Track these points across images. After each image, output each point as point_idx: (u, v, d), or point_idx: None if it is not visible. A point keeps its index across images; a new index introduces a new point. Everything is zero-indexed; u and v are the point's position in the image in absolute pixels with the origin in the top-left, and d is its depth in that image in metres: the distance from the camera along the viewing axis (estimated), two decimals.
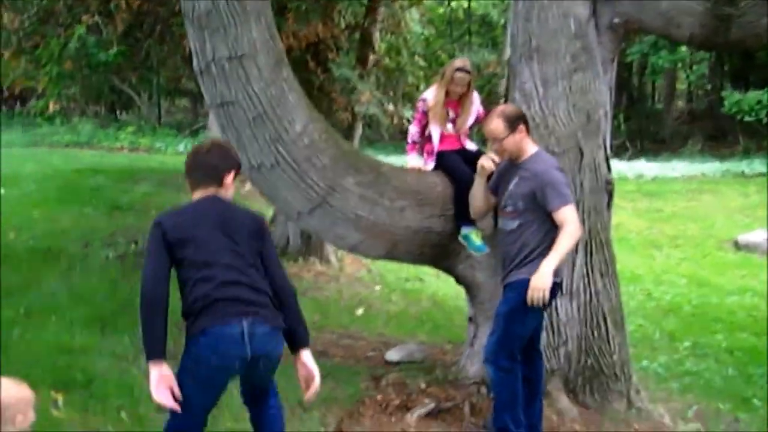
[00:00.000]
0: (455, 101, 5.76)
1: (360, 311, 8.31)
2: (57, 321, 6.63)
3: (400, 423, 5.47)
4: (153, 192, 14.16)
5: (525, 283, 4.85)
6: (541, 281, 4.69)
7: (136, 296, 7.32)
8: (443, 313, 8.54)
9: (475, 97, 5.93)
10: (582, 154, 5.77)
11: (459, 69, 5.64)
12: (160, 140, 24.55)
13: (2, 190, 13.04)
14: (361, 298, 8.86)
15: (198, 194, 3.99)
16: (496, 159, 5.15)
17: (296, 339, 4.01)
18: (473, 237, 5.60)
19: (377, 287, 9.49)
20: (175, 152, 23.15)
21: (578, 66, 5.80)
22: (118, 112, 31.97)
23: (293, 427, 5.14)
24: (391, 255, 5.76)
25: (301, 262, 10.10)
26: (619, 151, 26.04)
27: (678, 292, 9.88)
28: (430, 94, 5.77)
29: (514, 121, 4.97)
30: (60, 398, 5.13)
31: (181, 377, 3.74)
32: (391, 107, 10.21)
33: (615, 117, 27.25)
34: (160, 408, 5.18)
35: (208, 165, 3.97)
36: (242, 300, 3.70)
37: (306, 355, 4.06)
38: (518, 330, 4.97)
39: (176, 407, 3.64)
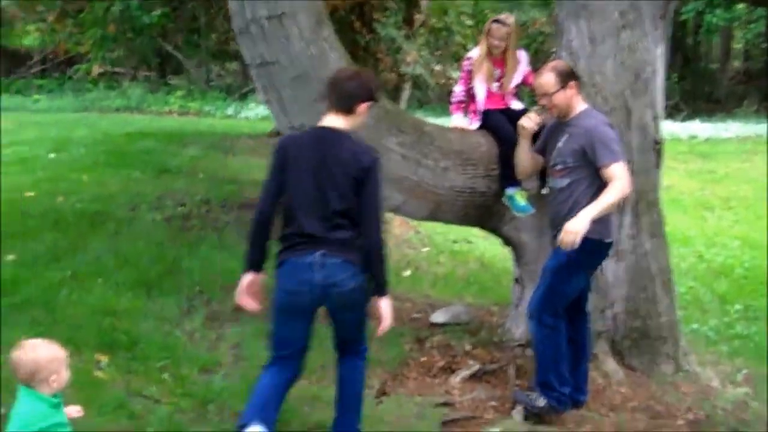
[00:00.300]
0: (500, 59, 5.67)
1: (407, 273, 8.27)
2: (103, 284, 6.69)
3: (443, 385, 5.47)
4: (201, 155, 14.20)
5: (580, 242, 4.80)
6: (575, 226, 4.60)
7: (183, 258, 7.55)
8: (491, 275, 8.47)
9: (522, 56, 5.84)
10: (630, 113, 5.64)
11: (495, 20, 5.58)
12: (209, 104, 24.67)
13: (52, 155, 13.22)
14: (408, 260, 8.80)
15: (327, 119, 4.19)
16: (537, 119, 5.06)
17: (374, 287, 4.22)
18: (518, 198, 5.54)
19: (425, 249, 9.44)
20: (224, 115, 23.32)
21: (626, 23, 5.66)
22: (168, 77, 32.14)
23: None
24: (434, 216, 5.71)
25: None
26: (672, 112, 25.54)
27: (730, 255, 9.68)
28: (475, 52, 5.73)
29: (566, 77, 4.90)
30: (104, 360, 5.21)
31: (270, 310, 4.23)
32: (438, 67, 10.08)
33: (668, 77, 26.79)
34: (202, 369, 5.29)
35: (344, 91, 4.16)
36: (318, 237, 4.00)
37: (379, 302, 4.26)
38: (563, 288, 4.95)
39: (254, 308, 4.21)
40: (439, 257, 9.07)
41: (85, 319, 5.87)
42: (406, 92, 10.74)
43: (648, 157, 5.79)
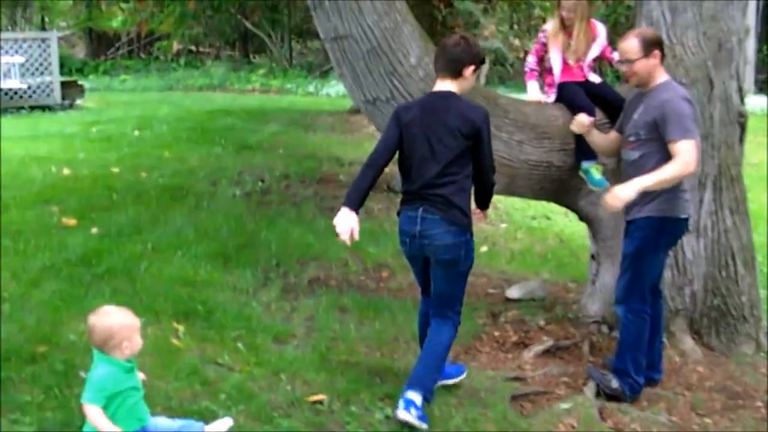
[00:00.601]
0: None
1: (484, 249, 8.21)
2: (182, 256, 6.83)
3: (516, 360, 5.44)
4: (281, 131, 14.37)
5: (650, 222, 4.74)
6: (621, 192, 4.53)
7: (261, 232, 7.67)
8: (569, 251, 8.36)
9: (600, 29, 5.73)
10: (712, 84, 5.49)
11: None
12: (290, 82, 24.90)
13: (136, 132, 13.54)
14: (486, 236, 8.75)
15: (437, 84, 4.53)
16: (586, 123, 5.03)
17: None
18: (593, 172, 5.45)
19: (503, 225, 9.38)
20: (305, 93, 23.50)
21: None
22: (251, 56, 32.54)
23: (408, 359, 5.18)
24: (509, 190, 5.66)
25: None
26: (765, 86, 24.83)
27: None
28: (550, 25, 5.69)
29: (650, 45, 4.76)
30: (181, 328, 5.33)
31: None
32: (517, 41, 9.96)
33: (761, 50, 25.99)
34: (276, 339, 5.38)
35: (451, 56, 4.46)
36: (423, 194, 4.43)
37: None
38: (647, 269, 4.86)
39: (346, 239, 4.54)
40: (516, 233, 9.00)
41: (164, 289, 6.00)
42: (485, 67, 10.62)
43: (731, 130, 5.63)
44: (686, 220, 4.88)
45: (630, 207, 4.79)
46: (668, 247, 5.00)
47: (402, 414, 4.25)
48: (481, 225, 9.13)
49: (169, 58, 29.73)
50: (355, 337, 5.54)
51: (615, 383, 4.93)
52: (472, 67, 4.48)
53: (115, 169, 10.26)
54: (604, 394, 4.94)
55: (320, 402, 4.53)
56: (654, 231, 4.73)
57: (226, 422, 4.05)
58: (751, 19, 23.34)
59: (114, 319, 3.61)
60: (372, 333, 5.64)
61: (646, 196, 4.69)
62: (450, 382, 4.82)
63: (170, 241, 7.23)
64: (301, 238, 7.74)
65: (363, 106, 5.24)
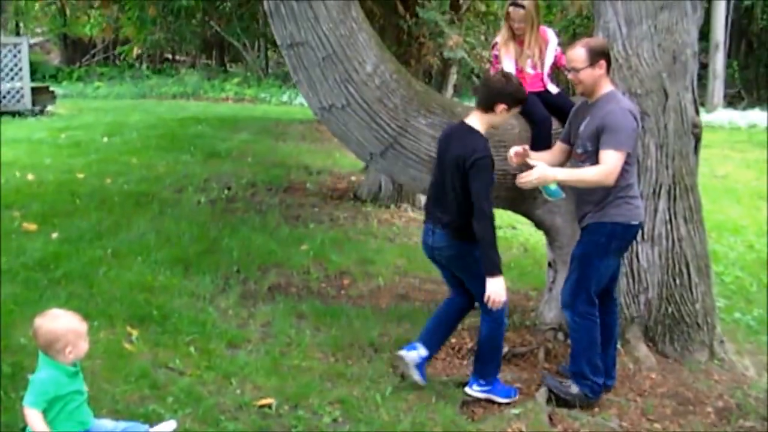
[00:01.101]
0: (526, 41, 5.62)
1: None
2: (142, 261, 6.85)
3: (471, 366, 5.44)
4: (251, 140, 14.40)
5: (601, 227, 4.79)
6: (540, 171, 4.65)
7: (224, 238, 7.69)
8: (533, 260, 8.41)
9: (551, 35, 5.77)
10: (667, 95, 5.54)
11: (512, 4, 5.53)
12: (265, 91, 24.96)
13: (106, 139, 13.50)
14: None
15: (470, 114, 4.82)
16: (516, 150, 4.96)
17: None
18: None
19: None
20: (278, 102, 23.52)
21: (664, 4, 5.56)
22: (227, 65, 32.53)
23: (361, 366, 5.21)
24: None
25: (393, 209, 10.12)
26: (733, 101, 25.14)
27: None
28: (499, 36, 5.71)
29: (596, 55, 4.77)
30: (135, 333, 5.33)
31: None
32: (485, 52, 10.00)
33: (730, 65, 26.31)
34: (229, 344, 5.39)
35: (486, 90, 4.74)
36: (433, 212, 4.91)
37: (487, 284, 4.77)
38: (594, 272, 4.87)
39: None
40: None
41: (121, 294, 6.01)
42: (453, 77, 10.68)
43: (685, 141, 5.68)
44: (637, 226, 4.92)
45: (582, 215, 4.87)
46: (618, 252, 5.00)
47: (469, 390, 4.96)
48: None
49: (144, 66, 29.77)
50: (310, 342, 5.55)
51: (574, 388, 4.96)
52: (503, 106, 4.66)
53: (81, 175, 10.25)
54: (564, 402, 4.95)
55: (268, 406, 4.54)
56: (603, 236, 4.77)
57: (170, 425, 4.06)
58: (720, 34, 23.65)
59: (59, 323, 3.60)
60: (328, 339, 5.65)
61: (597, 204, 4.76)
62: (498, 399, 4.97)
63: (131, 247, 7.23)
64: (263, 246, 7.75)
65: (319, 113, 5.26)
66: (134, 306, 5.81)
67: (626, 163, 4.70)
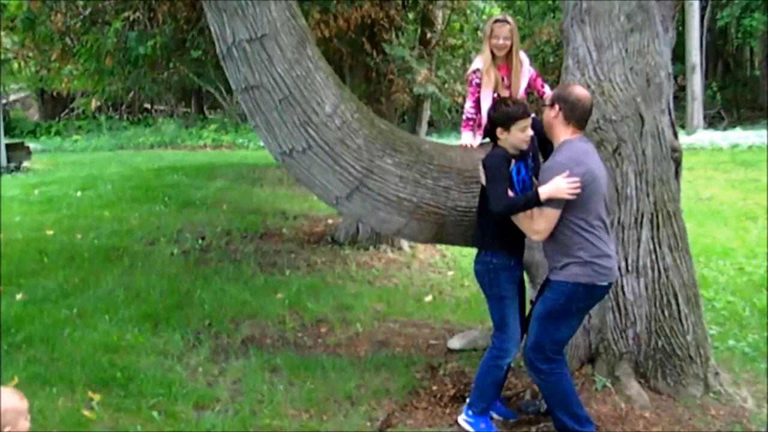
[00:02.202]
0: (505, 64, 5.37)
1: (428, 298, 8.03)
2: (109, 320, 6.62)
3: (454, 414, 5.18)
4: (227, 187, 14.23)
5: (563, 286, 4.56)
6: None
7: (196, 291, 7.43)
8: None
9: (524, 57, 5.54)
10: (643, 120, 5.35)
11: (497, 20, 5.31)
12: (243, 136, 24.86)
13: (79, 193, 13.28)
14: (432, 285, 8.58)
15: None
16: None
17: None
18: None
19: (450, 273, 9.19)
20: (257, 147, 23.38)
21: (634, 26, 5.40)
22: (206, 112, 32.48)
23: (337, 421, 4.96)
24: (439, 238, 5.45)
25: (372, 251, 9.88)
26: (713, 122, 25.12)
27: None
28: (478, 62, 5.40)
29: (555, 97, 4.63)
30: (96, 398, 5.06)
31: None
32: (458, 86, 9.83)
33: (708, 86, 26.36)
34: (197, 405, 5.12)
35: (490, 117, 4.77)
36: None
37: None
38: (554, 335, 4.67)
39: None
40: (464, 280, 8.80)
41: (84, 357, 5.76)
42: (426, 113, 10.50)
43: (665, 166, 5.47)
44: (605, 287, 4.65)
45: (551, 265, 4.67)
46: (582, 313, 4.78)
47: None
48: (427, 273, 8.96)
49: (123, 117, 29.69)
50: (283, 399, 5.28)
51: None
52: (499, 129, 4.65)
53: (50, 232, 10.03)
54: None
55: None
56: (565, 297, 4.55)
57: None
58: (696, 55, 23.68)
59: None
60: (302, 394, 5.38)
61: (563, 258, 4.55)
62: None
63: (98, 305, 7.00)
64: (237, 296, 7.52)
65: (280, 158, 5.02)
66: (97, 369, 5.55)
67: (584, 220, 4.49)
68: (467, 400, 4.95)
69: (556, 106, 4.58)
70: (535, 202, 4.44)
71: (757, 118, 25.45)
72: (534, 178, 4.83)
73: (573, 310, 4.61)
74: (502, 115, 4.66)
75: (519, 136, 4.67)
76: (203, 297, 7.42)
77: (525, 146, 4.73)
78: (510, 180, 4.65)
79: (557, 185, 4.38)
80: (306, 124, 4.82)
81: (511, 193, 4.60)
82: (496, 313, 4.79)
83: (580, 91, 4.68)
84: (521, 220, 4.58)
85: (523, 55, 5.51)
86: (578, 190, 4.38)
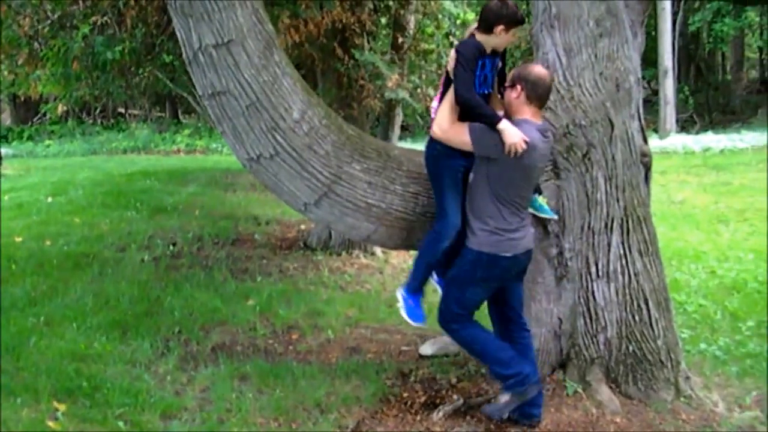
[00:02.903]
0: None
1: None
2: (77, 328, 6.50)
3: (425, 421, 5.16)
4: (199, 192, 14.12)
5: (469, 253, 4.75)
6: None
7: (166, 298, 7.35)
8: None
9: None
10: (612, 125, 5.35)
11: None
12: (216, 141, 24.69)
13: (50, 199, 13.14)
14: None
15: None
16: None
17: None
18: (543, 203, 5.21)
19: None
20: (230, 151, 23.25)
21: (603, 31, 5.40)
22: (180, 116, 32.29)
23: (306, 429, 4.95)
24: (408, 244, 5.41)
25: (345, 256, 9.84)
26: (686, 126, 25.29)
27: (744, 269, 9.28)
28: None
29: (516, 77, 4.69)
30: (61, 408, 4.97)
31: None
32: (431, 91, 9.81)
33: (680, 90, 26.53)
34: (164, 415, 5.05)
35: (482, 14, 4.69)
36: None
37: None
38: (457, 297, 4.86)
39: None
40: (436, 286, 8.76)
41: (50, 366, 5.63)
42: (399, 118, 10.47)
43: (635, 170, 5.48)
44: (510, 258, 4.73)
45: (466, 230, 4.80)
46: (487, 282, 4.83)
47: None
48: (400, 279, 8.91)
49: (97, 122, 29.44)
50: (252, 407, 5.22)
51: (505, 396, 4.88)
52: (501, 27, 4.58)
53: (19, 239, 9.87)
54: (509, 418, 4.93)
55: None
56: (470, 263, 4.72)
57: None
58: (669, 60, 23.83)
59: None
60: (271, 402, 5.32)
61: (475, 224, 4.71)
62: (403, 314, 5.10)
63: (66, 313, 6.88)
64: (208, 303, 7.44)
65: (247, 164, 4.97)
66: (63, 378, 5.44)
67: (503, 193, 4.62)
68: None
69: (518, 86, 4.64)
70: (490, 123, 4.52)
71: (728, 122, 25.70)
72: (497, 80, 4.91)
73: (477, 277, 4.74)
74: (510, 15, 4.62)
75: (507, 38, 4.69)
76: (173, 304, 7.33)
77: (502, 48, 4.80)
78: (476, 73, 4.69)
79: (516, 132, 4.47)
80: (273, 130, 4.77)
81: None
82: (437, 199, 4.84)
83: (540, 70, 4.75)
84: (446, 109, 4.66)
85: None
86: (516, 151, 4.47)
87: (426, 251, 4.94)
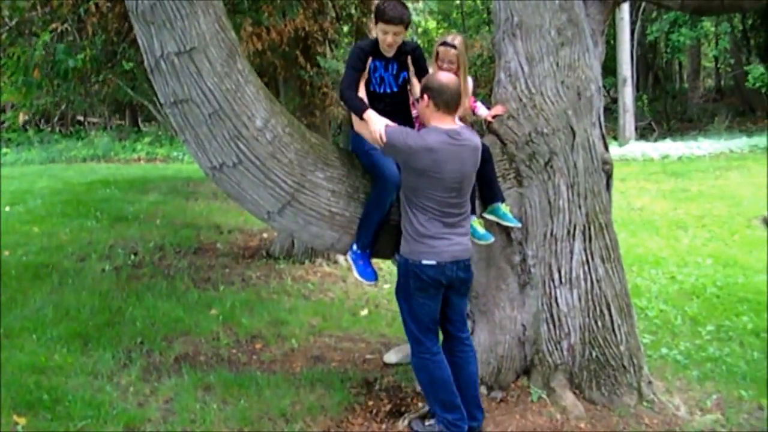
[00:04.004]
0: None
1: (364, 312, 7.98)
2: (37, 340, 6.41)
3: (390, 430, 5.15)
4: (161, 200, 14.00)
5: (400, 261, 4.83)
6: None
7: (127, 308, 7.26)
8: None
9: (469, 83, 5.54)
10: (574, 133, 5.40)
11: (443, 43, 5.31)
12: (177, 149, 24.50)
13: (7, 208, 12.94)
14: (368, 298, 8.53)
15: None
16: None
17: None
18: (476, 227, 5.21)
19: (386, 286, 9.13)
20: (191, 160, 23.08)
21: (564, 40, 5.46)
22: (141, 124, 32.02)
23: None
24: (373, 252, 5.40)
25: (308, 264, 9.81)
26: (644, 133, 25.57)
27: (703, 274, 9.41)
28: None
29: (423, 88, 4.74)
30: (22, 422, 4.89)
31: None
32: None
33: (639, 99, 26.83)
34: (127, 427, 4.98)
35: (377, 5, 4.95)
36: None
37: None
38: (407, 311, 4.82)
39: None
40: None
41: (9, 379, 5.56)
42: None
43: (596, 178, 5.52)
44: (434, 267, 4.67)
45: None
46: (423, 291, 4.74)
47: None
48: (363, 287, 8.91)
49: (55, 130, 29.08)
50: (216, 418, 5.18)
51: (436, 426, 4.89)
52: (376, 18, 4.89)
53: None
54: None
55: None
56: (402, 272, 4.79)
57: None
58: (627, 68, 24.11)
59: None
60: (235, 412, 5.27)
61: (403, 231, 4.79)
62: (354, 273, 5.13)
63: (25, 324, 6.78)
64: (170, 313, 7.36)
65: (210, 173, 4.92)
66: (23, 391, 5.35)
67: (413, 198, 4.67)
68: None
69: (425, 96, 4.68)
70: (359, 115, 4.76)
71: (686, 129, 26.02)
72: (410, 83, 5.13)
73: (411, 288, 4.72)
74: (379, 11, 4.86)
75: (380, 36, 4.90)
76: (135, 314, 7.25)
77: (386, 48, 4.94)
78: (369, 75, 4.97)
79: (375, 125, 4.62)
80: (236, 139, 4.74)
81: (362, 91, 4.94)
82: (371, 170, 4.94)
83: (443, 78, 4.75)
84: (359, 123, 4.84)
85: (469, 81, 5.50)
86: (378, 142, 4.61)
87: (372, 207, 4.95)
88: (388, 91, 5.04)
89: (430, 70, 5.30)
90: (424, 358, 4.80)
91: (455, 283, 4.79)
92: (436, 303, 4.80)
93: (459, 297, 4.92)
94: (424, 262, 4.65)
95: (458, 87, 4.73)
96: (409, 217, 4.68)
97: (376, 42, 4.99)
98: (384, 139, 4.56)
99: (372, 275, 5.03)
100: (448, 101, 4.66)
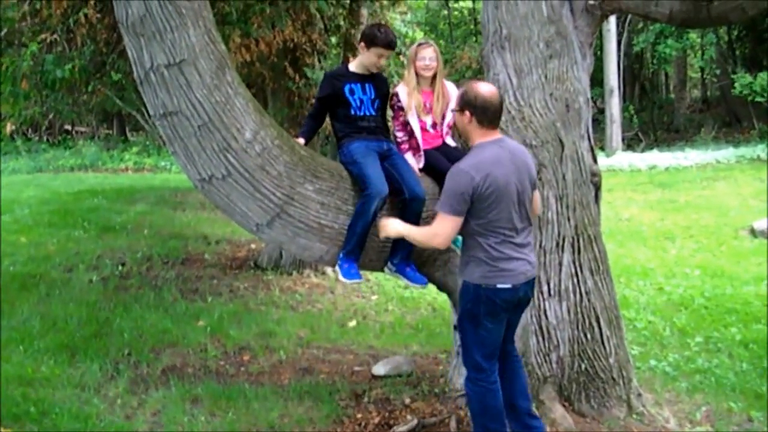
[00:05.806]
0: (429, 90, 5.30)
1: (352, 323, 7.97)
2: (23, 351, 6.39)
3: None
4: (148, 211, 13.94)
5: (465, 290, 4.56)
6: (389, 225, 4.70)
7: (115, 319, 7.21)
8: (441, 321, 8.17)
9: (452, 89, 5.49)
10: (563, 145, 5.42)
11: (421, 44, 5.26)
12: (165, 159, 24.43)
13: None
14: (356, 309, 8.52)
15: None
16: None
17: None
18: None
19: (374, 297, 9.14)
20: (179, 170, 23.04)
21: (553, 53, 5.48)
22: (129, 134, 31.94)
23: None
24: (362, 264, 5.38)
25: (296, 275, 9.78)
26: (632, 144, 25.66)
27: (691, 285, 9.42)
28: (401, 88, 5.28)
29: (463, 103, 4.54)
30: None
31: None
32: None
33: (626, 109, 26.95)
34: None
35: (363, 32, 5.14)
36: None
37: None
38: (472, 338, 4.60)
39: None
40: (387, 305, 8.76)
41: None
42: None
43: (585, 190, 5.53)
44: (509, 290, 4.51)
45: (459, 267, 4.68)
46: (493, 317, 4.58)
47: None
48: (351, 298, 8.90)
49: (43, 139, 28.99)
50: (204, 430, 5.16)
51: None
52: (362, 43, 5.00)
53: None
54: None
55: None
56: (470, 298, 4.53)
57: None
58: (614, 79, 24.20)
59: None
60: (224, 425, 5.26)
61: (464, 258, 4.58)
62: (340, 276, 5.02)
63: (12, 335, 6.75)
64: (157, 324, 7.34)
65: (199, 185, 4.90)
66: (10, 403, 5.33)
67: (485, 225, 4.44)
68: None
69: (467, 112, 4.51)
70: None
71: (672, 140, 26.12)
72: (384, 106, 5.29)
73: (481, 312, 4.50)
74: (366, 34, 5.02)
75: (373, 59, 5.03)
76: (123, 325, 7.23)
77: (375, 70, 5.12)
78: (346, 99, 5.06)
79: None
80: (225, 151, 4.72)
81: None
82: (360, 180, 4.93)
83: (485, 92, 4.54)
84: (415, 239, 4.66)
85: (452, 87, 5.41)
86: (448, 233, 4.43)
87: (358, 215, 4.92)
88: (368, 114, 5.14)
89: (407, 76, 5.30)
90: (482, 386, 4.60)
91: (523, 302, 4.67)
92: (503, 327, 4.66)
93: (519, 315, 4.82)
94: (500, 286, 4.47)
95: (501, 100, 4.59)
96: (479, 241, 4.47)
97: (346, 67, 5.18)
98: (447, 219, 4.42)
99: (356, 275, 4.97)
100: (492, 117, 4.52)
